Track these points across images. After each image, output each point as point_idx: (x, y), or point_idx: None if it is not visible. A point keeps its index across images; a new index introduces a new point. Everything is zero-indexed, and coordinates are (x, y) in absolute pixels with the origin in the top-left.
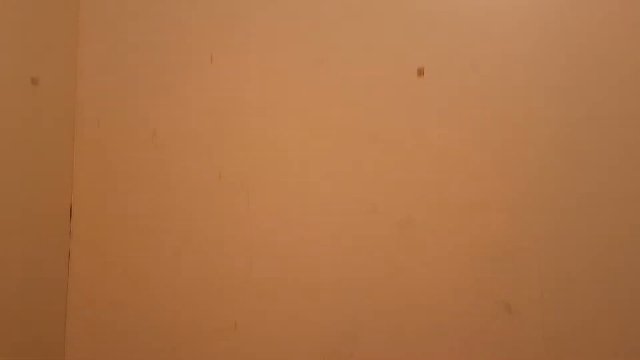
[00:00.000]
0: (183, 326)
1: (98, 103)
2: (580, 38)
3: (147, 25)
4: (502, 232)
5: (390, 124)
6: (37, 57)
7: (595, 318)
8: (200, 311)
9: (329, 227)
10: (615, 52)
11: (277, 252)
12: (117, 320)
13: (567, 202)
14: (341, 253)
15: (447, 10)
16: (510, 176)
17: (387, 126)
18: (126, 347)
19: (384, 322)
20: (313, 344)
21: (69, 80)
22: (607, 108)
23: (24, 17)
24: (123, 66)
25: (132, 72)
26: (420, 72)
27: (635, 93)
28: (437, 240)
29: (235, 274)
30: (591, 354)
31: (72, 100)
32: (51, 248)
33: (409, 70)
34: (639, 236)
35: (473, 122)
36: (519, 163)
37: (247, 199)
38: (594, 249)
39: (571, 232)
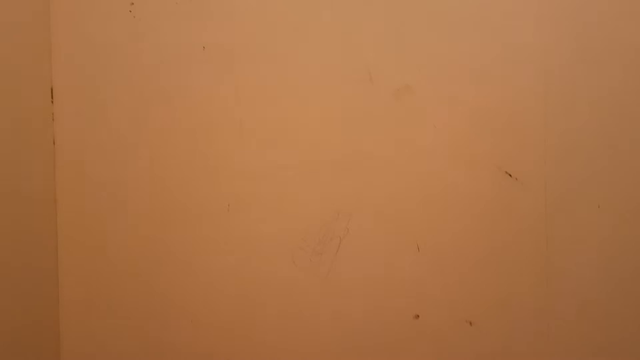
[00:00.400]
0: (176, 209)
1: None
2: None
3: None
4: (504, 99)
5: None
6: None
7: (598, 185)
8: (193, 195)
9: (322, 100)
10: None
11: (267, 129)
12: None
13: (571, 69)
14: (335, 127)
15: None
16: (515, 42)
17: None
18: (120, 216)
19: (381, 197)
20: (307, 222)
21: None
22: None
23: None
24: None
25: None
26: None
27: None
28: (437, 109)
29: (225, 154)
30: (593, 219)
31: None
32: (34, 130)
33: None
34: None
35: None
36: (523, 29)
37: (233, 73)
38: (598, 115)
39: (576, 98)
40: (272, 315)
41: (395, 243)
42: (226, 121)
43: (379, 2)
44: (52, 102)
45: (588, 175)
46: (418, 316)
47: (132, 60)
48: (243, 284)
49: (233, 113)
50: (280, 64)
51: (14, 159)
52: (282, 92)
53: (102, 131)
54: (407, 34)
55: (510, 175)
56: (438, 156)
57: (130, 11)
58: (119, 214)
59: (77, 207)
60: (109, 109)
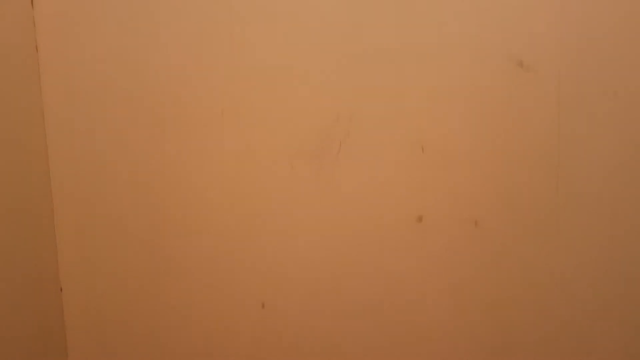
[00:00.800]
0: (167, 116)
1: None
2: None
3: None
4: None
5: None
6: None
7: (615, 71)
8: (184, 101)
9: None
10: None
11: (261, 29)
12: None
13: None
14: (331, 21)
15: None
16: None
17: None
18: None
19: (383, 96)
20: (305, 126)
21: None
22: None
23: None
24: None
25: None
26: None
27: None
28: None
29: (217, 56)
30: (609, 108)
31: None
32: (14, 37)
33: None
34: None
35: None
36: None
37: None
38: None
39: None
40: (271, 223)
41: (398, 144)
42: (219, 23)
43: None
44: (32, 6)
45: (604, 61)
46: (421, 218)
47: None
48: (240, 193)
49: (225, 14)
50: None
51: None
52: None
53: (88, 33)
54: None
55: (521, 65)
56: (444, 47)
57: None
58: (107, 119)
59: (66, 114)
60: (94, 7)
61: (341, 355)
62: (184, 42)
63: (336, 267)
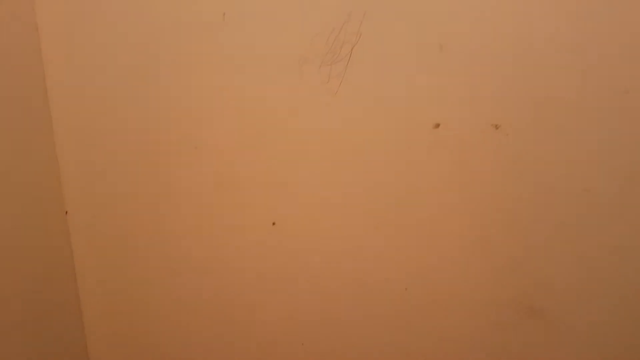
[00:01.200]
0: (165, 21)
1: None
2: None
3: None
4: None
5: None
6: None
7: None
8: (183, 4)
9: None
10: None
11: None
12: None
13: None
14: None
15: None
16: None
17: None
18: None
19: None
20: (313, 29)
21: None
22: None
23: None
24: None
25: None
26: None
27: None
28: None
29: None
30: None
31: None
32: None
33: None
34: None
35: None
36: None
37: None
38: None
39: None
40: (281, 137)
41: (414, 43)
42: None
43: None
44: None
45: None
46: (439, 125)
47: None
48: (244, 104)
49: None
50: None
51: None
52: None
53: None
54: None
55: None
56: None
57: None
58: (105, 30)
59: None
60: None
61: (350, 270)
62: None
63: (349, 180)
